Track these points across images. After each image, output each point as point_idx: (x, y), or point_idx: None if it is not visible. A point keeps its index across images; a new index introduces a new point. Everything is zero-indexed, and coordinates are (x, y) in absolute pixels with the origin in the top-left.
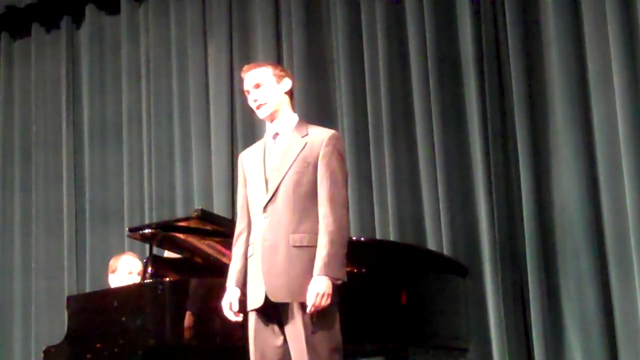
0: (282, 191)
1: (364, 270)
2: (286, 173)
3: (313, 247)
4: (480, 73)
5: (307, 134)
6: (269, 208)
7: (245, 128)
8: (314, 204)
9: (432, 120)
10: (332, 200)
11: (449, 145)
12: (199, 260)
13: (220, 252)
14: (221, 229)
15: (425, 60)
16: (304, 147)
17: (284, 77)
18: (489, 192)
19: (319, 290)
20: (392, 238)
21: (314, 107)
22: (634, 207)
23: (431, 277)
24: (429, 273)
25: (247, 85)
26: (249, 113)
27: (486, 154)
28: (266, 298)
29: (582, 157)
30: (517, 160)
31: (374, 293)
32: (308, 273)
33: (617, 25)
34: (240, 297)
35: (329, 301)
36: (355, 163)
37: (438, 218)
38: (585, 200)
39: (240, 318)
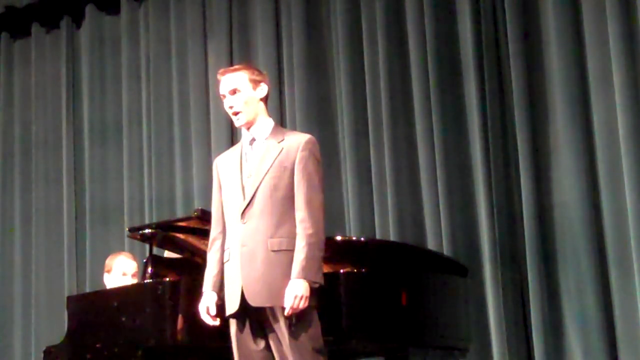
0: (259, 197)
1: (364, 270)
2: (263, 178)
3: (291, 251)
4: (480, 73)
5: (283, 139)
6: (246, 214)
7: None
8: (291, 208)
9: (432, 120)
10: (309, 204)
11: (449, 145)
12: (199, 260)
13: None
14: None
15: (425, 60)
16: (281, 152)
17: (260, 82)
18: (489, 192)
19: (296, 292)
20: (392, 238)
21: (314, 107)
22: (634, 207)
23: (431, 277)
24: (429, 273)
25: (223, 89)
26: None
27: (486, 154)
28: (242, 303)
29: (582, 157)
30: (517, 160)
31: (374, 293)
32: (287, 277)
33: (617, 25)
34: (217, 301)
35: (306, 304)
36: (355, 163)
37: (438, 218)
38: (585, 200)
39: (217, 322)
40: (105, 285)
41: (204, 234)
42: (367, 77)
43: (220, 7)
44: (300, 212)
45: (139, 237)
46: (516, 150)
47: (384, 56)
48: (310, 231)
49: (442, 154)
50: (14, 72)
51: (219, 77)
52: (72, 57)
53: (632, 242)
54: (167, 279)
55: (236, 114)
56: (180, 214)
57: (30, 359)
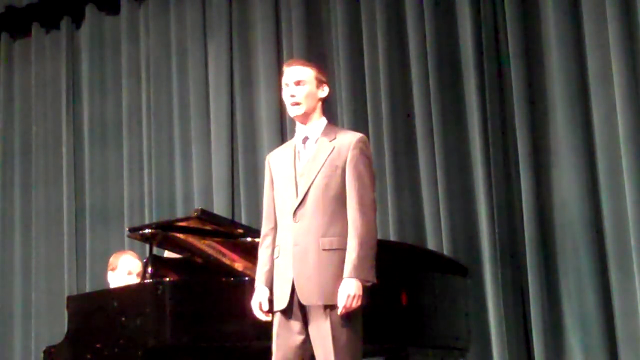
0: (311, 195)
1: None
2: (315, 177)
3: (343, 250)
4: (480, 73)
5: (335, 138)
6: (298, 213)
7: (245, 128)
8: (343, 207)
9: (432, 120)
10: (361, 203)
11: (449, 145)
12: (199, 260)
13: (220, 252)
14: (221, 229)
15: (425, 60)
16: (332, 151)
17: (324, 84)
18: (489, 192)
19: (349, 292)
20: (392, 238)
21: None
22: (634, 207)
23: (431, 277)
24: (429, 273)
25: (288, 78)
26: (249, 113)
27: (486, 154)
28: (290, 300)
29: (582, 157)
30: (517, 160)
31: (374, 293)
32: (339, 276)
33: (617, 25)
34: (270, 296)
35: (359, 303)
36: None
37: (438, 218)
38: (585, 200)
39: (270, 317)
40: (108, 283)
41: (204, 234)
42: (367, 77)
43: (220, 7)
44: (352, 211)
45: (139, 237)
46: (516, 150)
47: (384, 56)
48: (361, 230)
49: (442, 154)
50: (14, 72)
51: (286, 67)
52: (72, 57)
53: (632, 242)
54: (167, 279)
55: (295, 104)
56: (180, 214)
57: (30, 359)
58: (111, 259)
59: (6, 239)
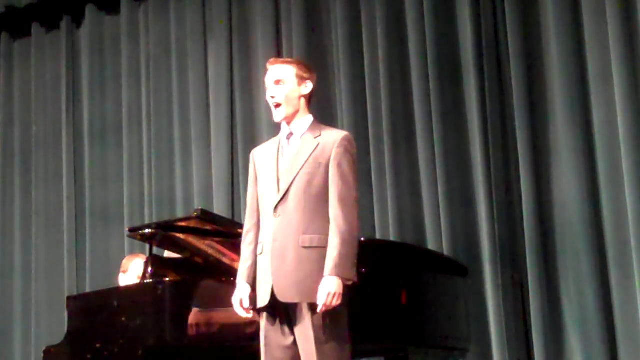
0: (293, 192)
1: (363, 270)
2: (297, 173)
3: (323, 247)
4: (480, 73)
5: (319, 135)
6: (279, 208)
7: (245, 128)
8: (325, 205)
9: (432, 120)
10: (343, 201)
11: (449, 145)
12: (199, 260)
13: (220, 252)
14: (221, 229)
15: (425, 60)
16: (316, 148)
17: (306, 80)
18: (489, 192)
19: (330, 290)
20: (392, 238)
21: (314, 107)
22: (634, 207)
23: (431, 277)
24: (429, 273)
25: (269, 78)
26: (249, 113)
27: (486, 154)
28: (272, 297)
29: (582, 157)
30: (517, 160)
31: (373, 293)
32: (317, 274)
33: (617, 25)
34: (251, 293)
35: (339, 301)
36: None
37: (438, 218)
38: (585, 200)
39: (250, 315)
40: (111, 284)
41: (204, 234)
42: (367, 77)
43: (220, 7)
44: (334, 209)
45: (139, 237)
46: (516, 150)
47: (384, 56)
48: (343, 228)
49: (442, 154)
50: (14, 72)
51: (268, 66)
52: (72, 57)
53: (632, 242)
54: (167, 279)
55: (277, 106)
56: (180, 214)
57: (30, 359)
58: (124, 262)
59: (6, 239)
